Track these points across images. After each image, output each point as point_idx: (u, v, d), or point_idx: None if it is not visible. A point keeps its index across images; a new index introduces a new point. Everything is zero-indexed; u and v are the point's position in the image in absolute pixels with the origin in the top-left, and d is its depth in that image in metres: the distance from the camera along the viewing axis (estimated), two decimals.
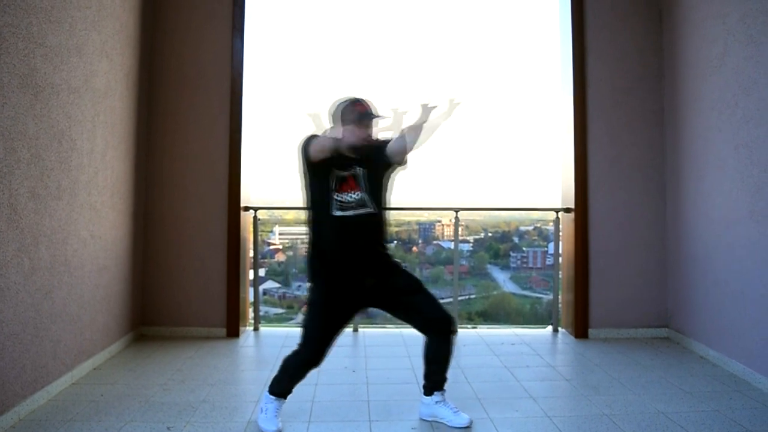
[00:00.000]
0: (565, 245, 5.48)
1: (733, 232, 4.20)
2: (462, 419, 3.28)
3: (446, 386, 3.37)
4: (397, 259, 3.37)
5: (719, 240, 4.38)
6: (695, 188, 4.70)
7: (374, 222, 3.20)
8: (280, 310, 7.47)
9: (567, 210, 5.37)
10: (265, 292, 7.34)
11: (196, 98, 5.17)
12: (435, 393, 3.35)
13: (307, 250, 3.27)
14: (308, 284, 3.27)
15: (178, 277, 5.13)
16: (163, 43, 5.18)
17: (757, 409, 3.50)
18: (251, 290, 5.59)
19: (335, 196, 3.12)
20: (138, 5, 4.86)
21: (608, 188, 5.18)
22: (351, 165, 3.16)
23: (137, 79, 4.90)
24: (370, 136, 3.15)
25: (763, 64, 3.85)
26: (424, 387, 3.38)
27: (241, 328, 5.19)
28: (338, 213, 3.11)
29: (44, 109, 3.53)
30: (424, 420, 3.37)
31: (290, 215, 7.84)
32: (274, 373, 3.32)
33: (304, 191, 3.22)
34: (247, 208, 5.36)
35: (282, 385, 3.27)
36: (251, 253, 5.59)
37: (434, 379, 3.35)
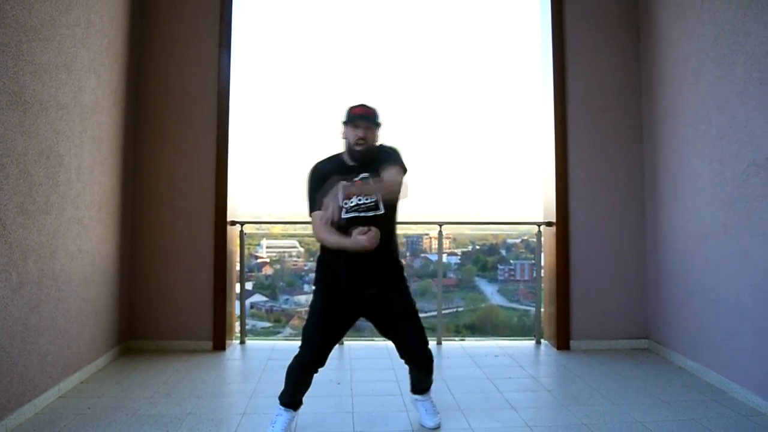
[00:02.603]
0: (547, 258, 5.58)
1: (708, 245, 4.31)
2: (431, 420, 3.47)
3: (431, 391, 3.58)
4: (403, 273, 3.38)
5: (696, 253, 4.49)
6: (673, 202, 4.82)
7: (381, 226, 3.07)
8: (267, 324, 7.44)
9: (549, 224, 5.47)
10: (252, 306, 7.33)
11: (183, 114, 5.23)
12: (418, 394, 3.54)
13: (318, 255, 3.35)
14: (312, 287, 3.34)
15: (164, 291, 5.17)
16: (151, 59, 5.25)
17: (731, 418, 3.59)
18: (237, 304, 5.63)
19: (344, 203, 3.11)
20: (126, 23, 4.93)
21: (589, 202, 5.29)
22: (356, 172, 3.15)
23: (125, 95, 4.96)
24: (362, 138, 3.14)
25: (735, 82, 3.98)
26: (411, 385, 3.58)
27: (228, 342, 5.23)
28: (346, 215, 3.11)
29: (33, 125, 3.58)
30: (424, 426, 3.50)
31: (277, 229, 7.87)
32: (261, 384, 3.37)
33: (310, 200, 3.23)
34: (233, 223, 5.42)
35: (287, 394, 3.29)
36: (238, 267, 5.64)
37: (418, 388, 3.54)
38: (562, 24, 5.38)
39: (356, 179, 3.11)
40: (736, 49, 3.97)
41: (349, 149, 3.21)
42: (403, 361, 3.38)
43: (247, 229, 5.61)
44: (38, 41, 3.63)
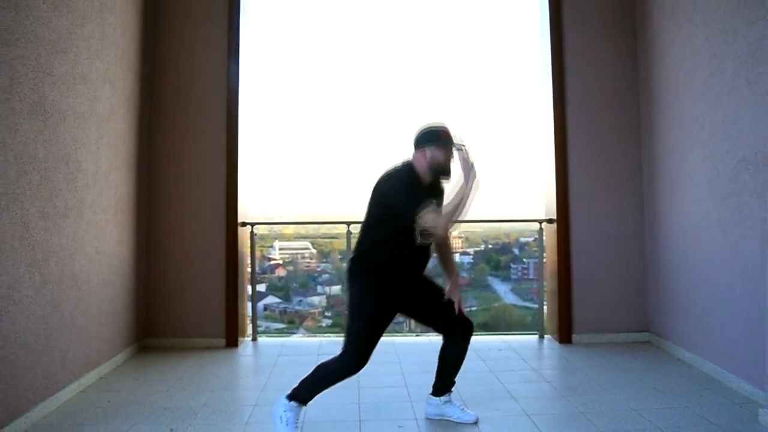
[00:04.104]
0: (549, 254, 5.72)
1: (703, 240, 4.44)
2: (469, 416, 3.56)
3: (453, 388, 3.65)
4: None
5: (692, 247, 4.62)
6: (670, 198, 4.95)
7: (430, 253, 3.47)
8: (280, 325, 7.54)
9: (550, 221, 5.62)
10: (266, 308, 7.47)
11: (195, 119, 5.43)
12: (444, 394, 3.61)
13: (364, 261, 3.35)
14: (355, 290, 3.35)
15: (178, 291, 5.37)
16: (163, 68, 5.45)
17: (724, 406, 3.72)
18: (249, 305, 5.80)
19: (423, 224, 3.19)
20: (138, 33, 5.13)
21: (588, 199, 5.43)
22: (428, 191, 3.30)
23: (138, 102, 5.16)
24: (448, 160, 3.31)
25: (726, 81, 4.12)
26: (435, 388, 3.63)
27: (240, 339, 5.42)
28: (420, 240, 3.27)
29: (52, 134, 3.78)
30: (430, 419, 3.61)
31: (289, 230, 8.04)
32: (272, 378, 3.49)
33: (381, 222, 3.31)
34: (244, 224, 5.60)
35: (313, 393, 3.34)
36: (249, 268, 5.82)
37: (446, 381, 3.62)
38: (561, 25, 5.52)
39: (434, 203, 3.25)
40: (726, 49, 4.10)
41: (438, 169, 3.30)
42: (444, 338, 3.52)
43: (260, 231, 5.79)
44: (56, 54, 3.83)
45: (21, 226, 3.42)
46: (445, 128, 3.34)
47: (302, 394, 3.34)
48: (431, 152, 3.29)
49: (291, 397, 3.35)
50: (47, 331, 3.71)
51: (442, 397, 3.61)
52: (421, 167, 3.32)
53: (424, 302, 3.48)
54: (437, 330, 3.55)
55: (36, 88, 3.59)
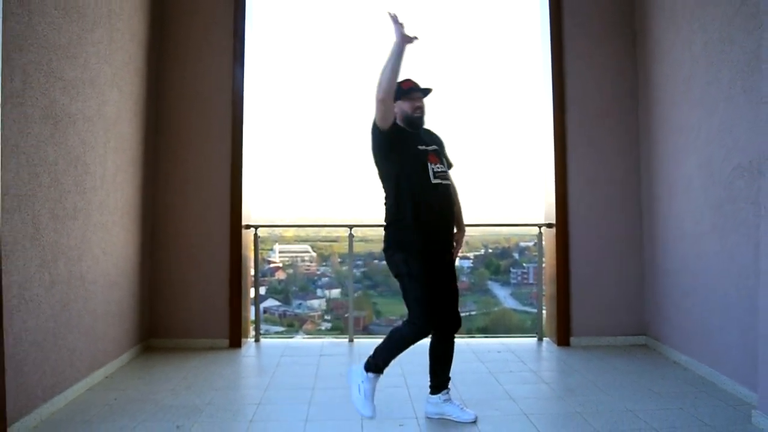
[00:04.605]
0: (548, 259, 5.81)
1: (700, 246, 4.52)
2: (468, 415, 3.64)
3: (450, 385, 3.75)
4: None
5: (688, 253, 4.70)
6: (667, 204, 5.03)
7: (452, 193, 3.63)
8: (280, 328, 7.58)
9: (549, 225, 5.70)
10: (265, 311, 7.51)
11: (200, 123, 5.52)
12: (442, 392, 3.70)
13: (395, 222, 3.51)
14: (399, 257, 3.47)
15: (183, 292, 5.45)
16: (169, 72, 5.54)
17: (718, 407, 3.80)
18: (252, 308, 5.88)
19: (431, 166, 3.48)
20: (145, 39, 5.22)
21: (587, 204, 5.52)
22: (425, 141, 3.57)
23: (145, 106, 5.25)
24: (419, 107, 3.53)
25: (722, 89, 4.20)
26: (432, 386, 3.74)
27: (243, 340, 5.50)
28: (435, 181, 3.47)
29: (62, 137, 3.87)
30: (430, 418, 3.70)
31: (290, 233, 8.08)
32: (275, 378, 3.56)
33: (392, 171, 3.50)
34: (248, 226, 5.69)
35: (388, 360, 3.50)
36: (252, 270, 5.90)
37: (440, 377, 3.72)
38: (561, 31, 5.60)
39: (430, 150, 3.55)
40: (723, 57, 4.19)
41: (409, 119, 3.52)
42: (436, 333, 3.65)
43: (260, 233, 5.87)
44: (66, 59, 3.91)
45: (32, 226, 3.51)
46: (407, 79, 3.52)
47: (379, 362, 3.50)
48: (398, 106, 3.52)
49: (369, 367, 3.50)
50: (56, 330, 3.80)
51: (440, 395, 3.70)
52: (401, 121, 3.55)
53: (441, 285, 3.54)
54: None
55: (47, 92, 3.68)
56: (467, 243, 8.31)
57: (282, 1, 7.58)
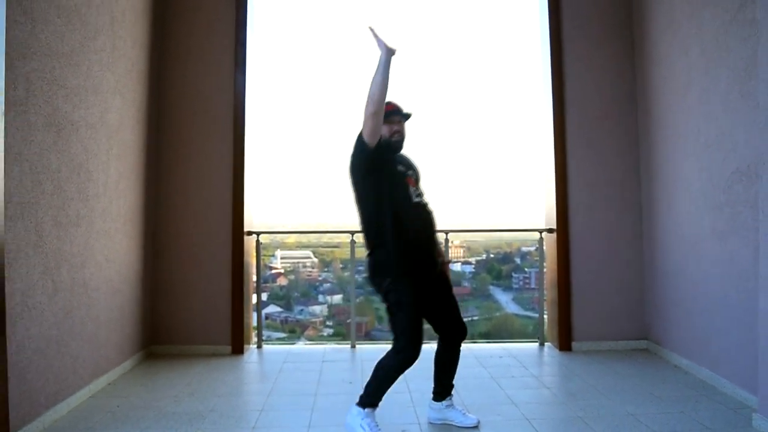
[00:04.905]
0: (549, 264, 5.82)
1: (699, 249, 4.54)
2: (470, 420, 3.66)
3: (453, 391, 3.76)
4: None
5: (688, 256, 4.72)
6: (667, 208, 5.05)
7: (432, 212, 3.59)
8: (282, 335, 7.59)
9: (550, 230, 5.72)
10: (267, 317, 7.53)
11: (202, 129, 5.55)
12: (445, 398, 3.72)
13: (381, 249, 3.44)
14: (386, 283, 3.40)
15: (185, 299, 5.46)
16: (171, 79, 5.57)
17: (718, 411, 3.81)
18: (254, 315, 5.90)
19: (411, 188, 3.50)
20: (147, 45, 5.25)
21: (587, 209, 5.54)
22: (402, 165, 3.58)
23: (147, 113, 5.27)
24: (398, 131, 3.53)
25: (720, 94, 4.23)
26: (435, 393, 3.74)
27: (245, 346, 5.51)
28: (416, 200, 3.49)
29: (65, 144, 3.89)
30: (432, 423, 3.72)
31: (291, 239, 8.11)
32: (278, 384, 3.57)
33: (372, 192, 3.44)
34: (250, 233, 5.70)
35: (381, 393, 3.44)
36: (254, 277, 5.92)
37: (444, 384, 3.73)
38: (560, 35, 5.63)
39: (408, 173, 3.55)
40: (720, 63, 4.22)
41: (386, 142, 3.48)
42: (439, 339, 3.66)
43: (262, 239, 5.88)
44: (69, 67, 3.94)
45: (35, 234, 3.52)
46: (388, 102, 3.45)
47: (371, 398, 3.44)
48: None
49: (363, 404, 3.44)
50: (59, 337, 3.81)
51: (443, 402, 3.72)
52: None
53: (436, 298, 3.56)
54: (436, 326, 3.64)
55: (50, 100, 3.70)
56: (468, 248, 8.35)
57: (283, 5, 7.62)
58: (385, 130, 3.46)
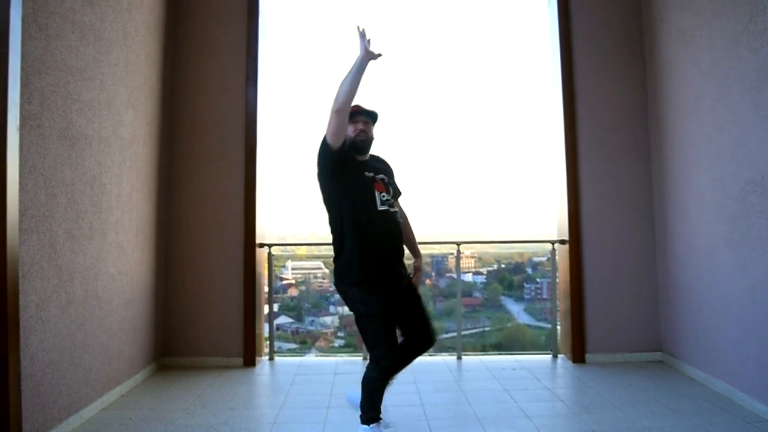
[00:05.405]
0: (561, 275, 5.79)
1: (713, 260, 4.51)
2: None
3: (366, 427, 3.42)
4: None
5: (702, 267, 4.68)
6: (680, 219, 5.02)
7: (399, 222, 3.56)
8: (293, 345, 7.59)
9: (562, 242, 5.69)
10: (278, 328, 7.52)
11: (213, 142, 5.58)
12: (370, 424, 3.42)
13: (343, 255, 3.43)
14: (352, 294, 3.40)
15: (197, 311, 5.47)
16: (183, 92, 5.61)
17: (735, 424, 3.77)
18: (266, 326, 5.90)
19: (377, 194, 3.45)
20: (160, 60, 5.30)
21: (600, 220, 5.51)
22: (372, 169, 3.53)
23: (159, 126, 5.31)
24: (363, 130, 3.50)
25: (732, 105, 4.21)
26: (362, 417, 3.46)
27: (257, 358, 5.50)
28: (382, 208, 3.44)
29: (79, 158, 3.92)
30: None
31: (302, 250, 8.11)
32: (290, 397, 3.54)
33: (335, 196, 3.46)
34: (261, 245, 5.72)
35: (377, 405, 3.37)
36: (266, 288, 5.92)
37: (364, 413, 3.44)
38: (571, 50, 5.64)
39: (378, 178, 3.51)
40: (732, 74, 4.20)
41: (352, 142, 3.48)
42: (406, 344, 3.48)
43: (273, 251, 5.89)
44: (83, 81, 3.98)
45: (49, 247, 3.55)
46: (355, 105, 3.46)
47: (370, 413, 3.37)
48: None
49: (366, 422, 3.37)
50: (72, 350, 3.82)
51: (369, 427, 3.41)
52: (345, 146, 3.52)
53: (405, 310, 3.49)
54: (406, 331, 3.51)
55: (64, 114, 3.74)
56: (480, 258, 8.32)
57: (295, 20, 7.67)
58: (350, 130, 3.47)
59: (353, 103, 3.38)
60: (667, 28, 5.14)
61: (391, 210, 3.49)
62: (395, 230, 3.49)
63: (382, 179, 3.54)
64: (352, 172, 3.45)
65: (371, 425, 3.35)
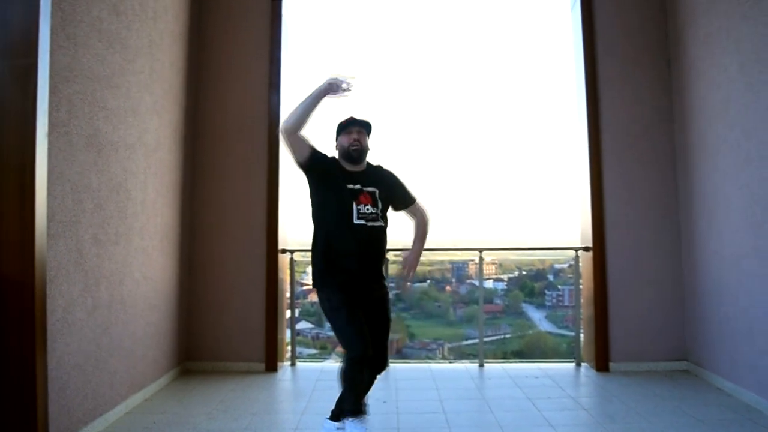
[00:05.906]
0: (585, 282, 5.74)
1: (740, 268, 4.44)
2: None
3: (347, 420, 3.35)
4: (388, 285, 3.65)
5: (728, 275, 4.61)
6: (707, 226, 4.95)
7: (383, 237, 3.51)
8: (313, 351, 7.60)
9: (586, 249, 5.64)
10: (298, 333, 7.55)
11: (237, 149, 5.62)
12: (339, 421, 3.40)
13: (312, 262, 3.49)
14: (321, 294, 3.43)
15: (220, 316, 5.51)
16: (207, 99, 5.66)
17: None
18: (288, 331, 5.91)
19: (355, 206, 3.39)
20: (184, 67, 5.35)
21: (624, 227, 5.46)
22: (362, 181, 3.48)
23: (183, 133, 5.36)
24: (357, 140, 3.49)
25: (761, 110, 4.15)
26: (333, 411, 3.49)
27: (279, 364, 5.52)
28: (358, 222, 3.38)
29: (105, 164, 3.97)
30: None
31: None
32: (312, 402, 3.54)
33: (313, 207, 3.53)
34: (284, 251, 5.74)
35: (355, 400, 3.30)
36: (288, 294, 5.94)
37: (342, 407, 3.41)
38: (594, 55, 5.60)
39: (366, 190, 3.45)
40: (761, 78, 4.14)
41: (346, 153, 3.50)
42: None
43: (296, 257, 5.91)
44: (109, 89, 4.03)
45: (76, 252, 3.59)
46: (349, 116, 3.52)
47: (346, 408, 3.32)
48: (339, 142, 3.56)
49: (348, 414, 3.29)
50: (97, 353, 3.86)
51: (335, 423, 3.43)
52: (341, 157, 3.56)
53: (377, 324, 3.44)
54: None
55: (91, 121, 3.79)
56: (500, 265, 8.27)
57: (317, 27, 7.71)
58: (344, 140, 3.50)
59: (349, 116, 3.50)
60: (693, 33, 5.08)
61: (369, 224, 3.40)
62: (370, 245, 3.43)
63: (372, 192, 3.48)
64: (330, 184, 3.46)
65: (355, 419, 3.27)
